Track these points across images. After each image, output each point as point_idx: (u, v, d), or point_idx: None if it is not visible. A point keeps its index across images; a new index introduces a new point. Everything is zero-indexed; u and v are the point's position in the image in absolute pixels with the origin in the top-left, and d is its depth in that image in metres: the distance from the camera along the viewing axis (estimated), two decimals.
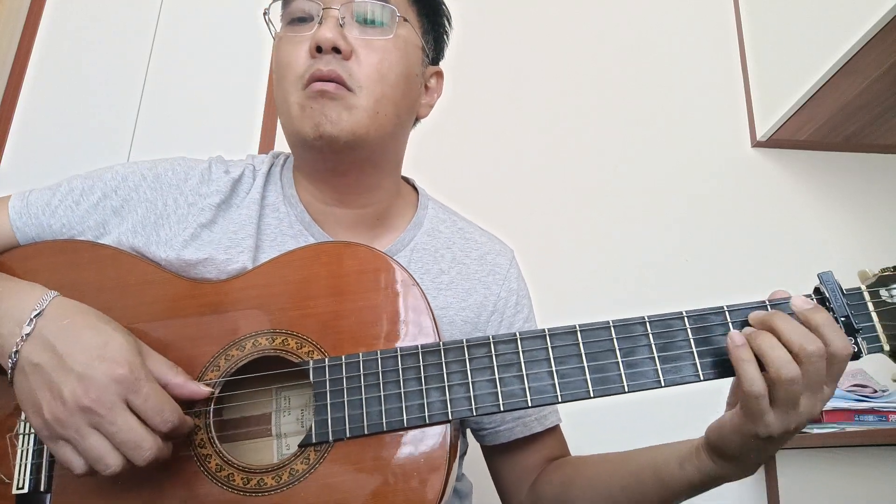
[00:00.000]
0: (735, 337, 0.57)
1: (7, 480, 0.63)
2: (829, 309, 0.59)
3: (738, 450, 0.60)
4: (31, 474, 0.63)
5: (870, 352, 0.58)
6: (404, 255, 0.83)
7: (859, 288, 0.60)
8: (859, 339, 0.58)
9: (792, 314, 0.58)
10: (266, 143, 1.58)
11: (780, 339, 0.56)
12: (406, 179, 0.93)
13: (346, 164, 0.77)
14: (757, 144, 1.76)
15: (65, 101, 1.56)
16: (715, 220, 1.69)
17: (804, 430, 1.34)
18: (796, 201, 1.73)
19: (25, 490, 0.62)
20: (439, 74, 0.88)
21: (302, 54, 0.74)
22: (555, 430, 0.86)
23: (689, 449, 0.65)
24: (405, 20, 0.78)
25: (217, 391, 0.64)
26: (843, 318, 0.58)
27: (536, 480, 0.82)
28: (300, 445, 0.61)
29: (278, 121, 1.59)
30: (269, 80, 1.66)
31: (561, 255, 1.60)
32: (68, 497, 0.62)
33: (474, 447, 0.90)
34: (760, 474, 1.45)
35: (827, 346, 0.55)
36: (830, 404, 1.34)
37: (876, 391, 1.38)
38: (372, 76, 0.74)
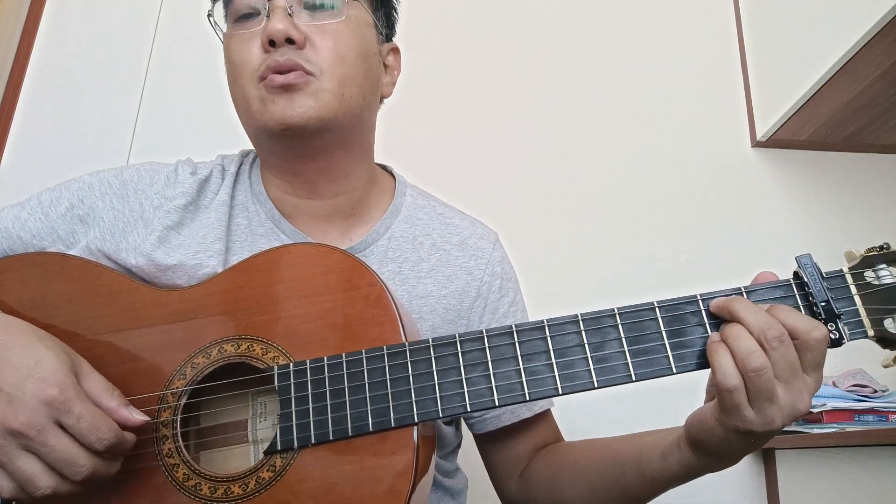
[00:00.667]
0: (713, 335, 0.56)
1: None
2: (809, 293, 0.56)
3: (719, 444, 0.58)
4: None
5: (853, 337, 0.55)
6: (381, 243, 0.82)
7: (840, 270, 0.57)
8: (841, 325, 0.55)
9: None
10: None
11: (745, 326, 0.54)
12: (383, 167, 0.91)
13: (315, 149, 0.76)
14: (757, 144, 1.75)
15: (65, 101, 1.55)
16: (715, 220, 1.67)
17: (803, 429, 1.32)
18: (796, 201, 1.71)
19: None
20: (396, 51, 0.86)
21: (254, 50, 0.73)
22: (545, 416, 0.84)
23: (671, 441, 0.63)
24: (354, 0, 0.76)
25: (183, 400, 0.64)
26: (822, 303, 0.55)
27: (526, 468, 0.80)
28: (265, 453, 0.60)
29: None
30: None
31: (560, 255, 1.59)
32: None
33: (469, 441, 0.89)
34: (760, 474, 1.43)
35: (792, 334, 0.53)
36: (831, 404, 1.31)
37: (876, 391, 1.36)
38: (331, 59, 0.73)
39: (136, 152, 1.54)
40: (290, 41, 0.71)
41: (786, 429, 1.39)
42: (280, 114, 0.70)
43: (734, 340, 0.53)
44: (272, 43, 0.70)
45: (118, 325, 0.68)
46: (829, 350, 0.54)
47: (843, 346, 0.55)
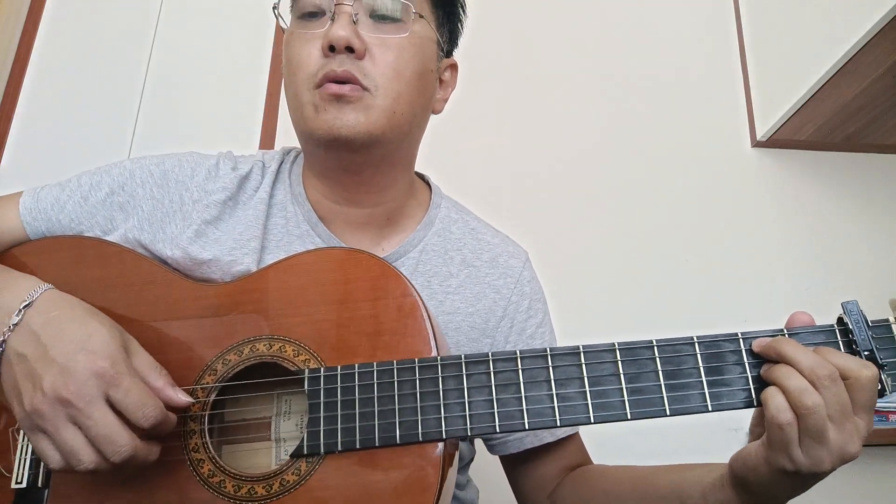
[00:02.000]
0: (766, 368, 0.56)
1: (7, 474, 0.64)
2: (853, 342, 0.55)
3: (765, 485, 0.56)
4: (29, 469, 0.63)
5: (894, 390, 0.54)
6: (413, 255, 0.81)
7: (887, 319, 0.56)
8: (884, 376, 0.54)
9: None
10: (266, 142, 1.57)
11: (795, 368, 0.53)
12: (420, 176, 0.90)
13: (360, 163, 0.76)
14: (757, 144, 1.75)
15: (65, 101, 1.56)
16: (715, 219, 1.67)
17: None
18: (796, 201, 1.71)
19: (24, 485, 0.63)
20: (454, 67, 0.85)
21: (314, 52, 0.72)
22: (572, 438, 0.83)
23: (714, 479, 0.62)
24: (420, 16, 0.75)
25: (212, 396, 0.64)
26: (866, 352, 0.54)
27: (555, 492, 0.79)
28: (291, 456, 0.60)
29: (278, 119, 1.61)
30: (268, 79, 1.65)
31: (559, 255, 1.58)
32: (66, 493, 0.63)
33: (482, 451, 0.89)
34: None
35: (843, 374, 0.52)
36: None
37: None
38: (388, 75, 0.72)
39: (136, 152, 1.55)
40: (350, 49, 0.70)
41: None
42: (329, 124, 0.70)
43: (786, 380, 0.53)
44: (332, 48, 0.70)
45: (152, 315, 0.68)
46: None
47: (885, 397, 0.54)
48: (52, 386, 0.55)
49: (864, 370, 0.52)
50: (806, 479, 0.54)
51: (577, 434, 0.84)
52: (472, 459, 0.87)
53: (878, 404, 1.31)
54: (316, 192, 0.81)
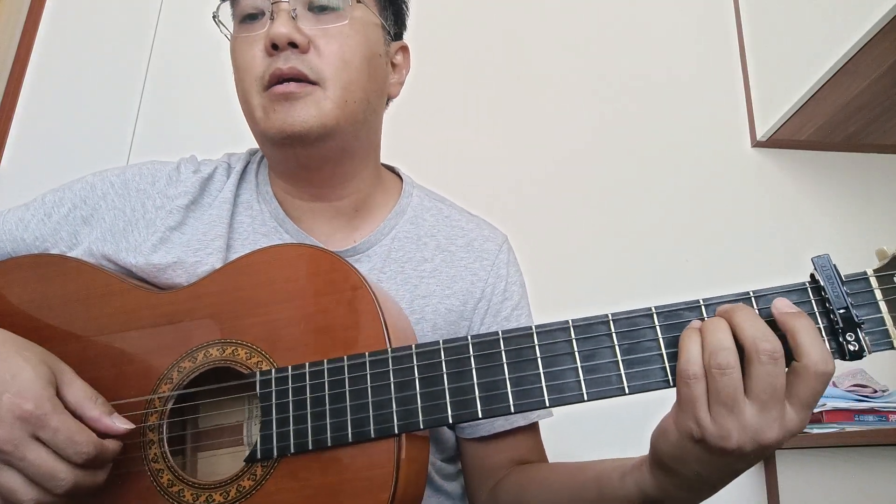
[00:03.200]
0: (694, 322, 0.51)
1: None
2: (825, 299, 0.50)
3: (672, 452, 0.51)
4: None
5: (876, 349, 0.49)
6: (385, 243, 0.80)
7: (864, 273, 0.51)
8: (861, 334, 0.49)
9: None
10: None
11: (734, 331, 0.48)
12: (391, 168, 0.89)
13: (319, 157, 0.74)
14: (757, 144, 1.73)
15: (65, 101, 1.58)
16: (715, 219, 1.65)
17: (803, 431, 1.26)
18: (796, 201, 1.69)
19: None
20: (405, 49, 0.84)
21: (257, 54, 0.71)
22: (533, 429, 0.80)
23: (634, 462, 0.58)
24: (359, 1, 0.73)
25: (169, 405, 0.63)
26: (841, 310, 0.49)
27: (498, 483, 0.77)
28: (245, 461, 0.59)
29: None
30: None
31: (559, 255, 1.57)
32: None
33: None
34: (760, 474, 1.40)
35: (799, 357, 0.47)
36: (831, 404, 1.28)
37: (876, 391, 1.34)
38: (335, 65, 0.71)
39: (136, 152, 1.56)
40: (293, 45, 0.69)
41: None
42: (280, 123, 0.69)
43: (709, 332, 0.48)
44: (275, 46, 0.69)
45: (111, 327, 0.67)
46: (845, 362, 0.48)
47: (864, 358, 0.49)
48: None
49: (821, 365, 0.46)
50: (716, 454, 0.49)
51: (537, 427, 0.82)
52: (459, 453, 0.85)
53: (878, 404, 1.30)
54: (281, 190, 0.80)
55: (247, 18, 0.73)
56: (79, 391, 0.58)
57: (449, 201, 0.89)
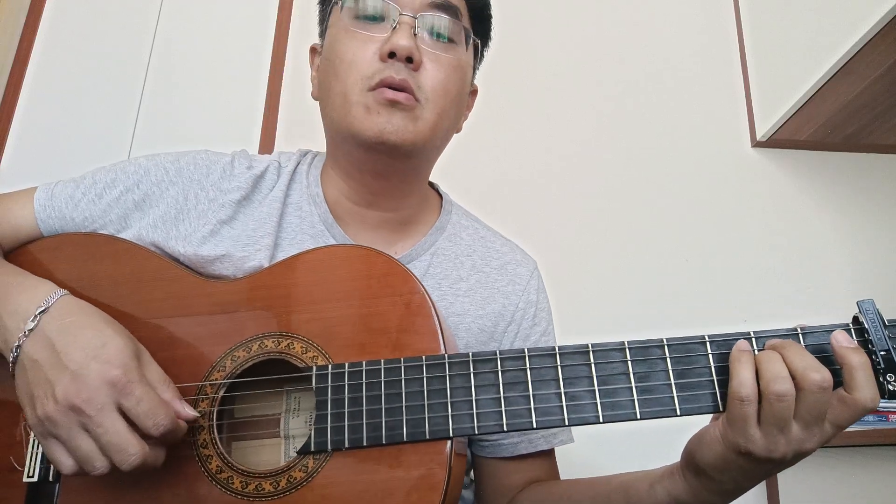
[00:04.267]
0: (741, 343, 0.55)
1: (19, 468, 0.65)
2: (868, 341, 0.54)
3: (715, 462, 0.56)
4: (41, 464, 0.64)
5: None
6: (424, 259, 0.82)
7: None
8: None
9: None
10: (266, 142, 1.57)
11: (785, 362, 0.52)
12: (431, 184, 0.91)
13: (394, 169, 0.77)
14: (757, 144, 1.74)
15: (65, 101, 1.57)
16: (715, 220, 1.66)
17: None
18: (796, 201, 1.70)
19: (35, 479, 0.63)
20: (475, 92, 0.88)
21: (368, 55, 0.73)
22: (550, 454, 0.83)
23: (665, 470, 0.62)
24: (473, 42, 0.78)
25: (221, 392, 0.64)
26: (882, 352, 0.53)
27: (512, 500, 0.79)
28: (298, 453, 0.60)
29: (278, 119, 1.60)
30: (268, 79, 1.64)
31: (558, 254, 1.57)
32: (77, 488, 0.63)
33: None
34: None
35: (851, 391, 0.52)
36: None
37: None
38: (437, 91, 0.74)
39: (136, 152, 1.55)
40: (409, 60, 0.71)
41: None
42: (380, 127, 0.71)
43: (765, 362, 0.53)
44: (391, 55, 0.71)
45: (162, 312, 0.68)
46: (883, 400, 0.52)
47: None
48: (64, 394, 0.55)
49: (870, 402, 0.52)
50: (759, 462, 0.53)
51: (554, 451, 0.84)
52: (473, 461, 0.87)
53: (878, 404, 1.32)
54: (336, 190, 0.81)
55: (365, 18, 0.74)
56: (155, 372, 0.60)
57: (482, 222, 0.92)
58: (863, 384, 0.51)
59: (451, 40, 0.76)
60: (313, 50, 0.85)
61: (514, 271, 0.86)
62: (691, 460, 0.57)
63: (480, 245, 0.87)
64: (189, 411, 0.59)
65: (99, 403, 0.54)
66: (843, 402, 0.52)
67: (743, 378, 0.53)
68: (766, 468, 0.54)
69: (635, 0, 1.84)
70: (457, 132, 0.84)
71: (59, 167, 1.41)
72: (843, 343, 0.53)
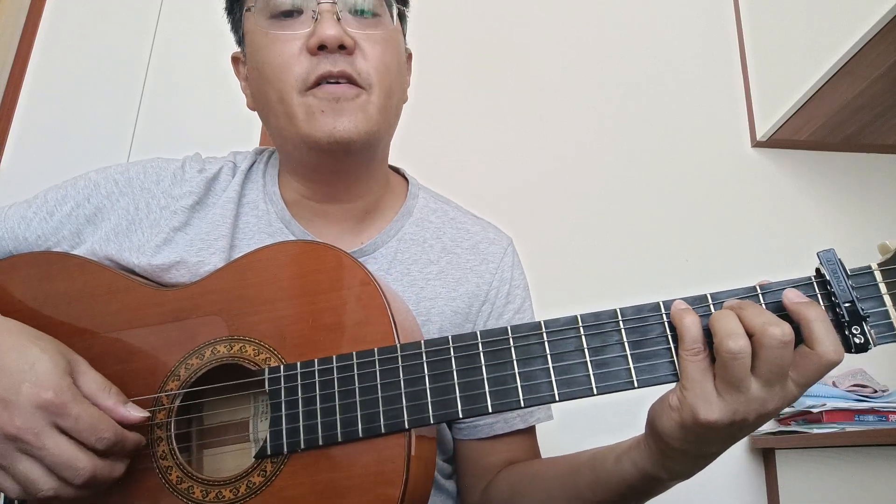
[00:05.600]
0: (678, 303, 0.52)
1: None
2: (831, 293, 0.51)
3: (674, 430, 0.52)
4: None
5: (881, 341, 0.50)
6: (391, 245, 0.80)
7: (869, 266, 0.52)
8: (867, 327, 0.50)
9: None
10: (266, 142, 1.54)
11: (742, 321, 0.49)
12: (396, 169, 0.89)
13: (351, 163, 0.74)
14: (757, 144, 1.73)
15: (65, 101, 1.56)
16: (715, 220, 1.66)
17: (803, 429, 1.28)
18: (796, 201, 1.69)
19: None
20: (410, 56, 0.85)
21: (295, 52, 0.69)
22: (530, 431, 0.81)
23: (630, 443, 0.59)
24: (398, 9, 0.74)
25: (177, 402, 0.63)
26: (846, 304, 0.50)
27: (490, 483, 0.77)
28: (255, 457, 0.59)
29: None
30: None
31: (559, 255, 1.57)
32: None
33: None
34: (760, 474, 1.41)
35: (813, 345, 0.48)
36: (831, 404, 1.28)
37: (876, 391, 1.34)
38: (380, 70, 0.70)
39: (136, 152, 1.55)
40: (341, 47, 0.68)
41: (786, 429, 1.34)
42: (329, 128, 0.68)
43: (718, 320, 0.49)
44: (321, 48, 0.67)
45: (115, 325, 0.67)
46: (850, 354, 0.49)
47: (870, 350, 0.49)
48: None
49: (833, 354, 0.48)
50: (718, 430, 0.50)
51: (534, 431, 0.82)
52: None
53: (878, 404, 1.30)
54: (293, 191, 0.79)
55: (280, 15, 0.70)
56: (93, 381, 0.58)
57: (454, 203, 0.89)
58: (822, 336, 0.48)
59: (375, 14, 0.72)
60: (235, 60, 0.81)
61: (487, 249, 0.84)
62: (653, 429, 0.54)
63: (450, 227, 0.84)
64: (135, 413, 0.58)
65: (36, 428, 0.53)
66: (804, 357, 0.48)
67: (694, 335, 0.50)
68: (728, 432, 0.50)
69: (636, 2, 1.83)
70: (405, 102, 0.81)
71: (59, 167, 1.42)
72: (795, 299, 0.50)
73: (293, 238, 0.78)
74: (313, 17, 0.69)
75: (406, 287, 0.78)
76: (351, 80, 0.68)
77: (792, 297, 0.50)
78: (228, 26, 0.80)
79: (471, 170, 1.62)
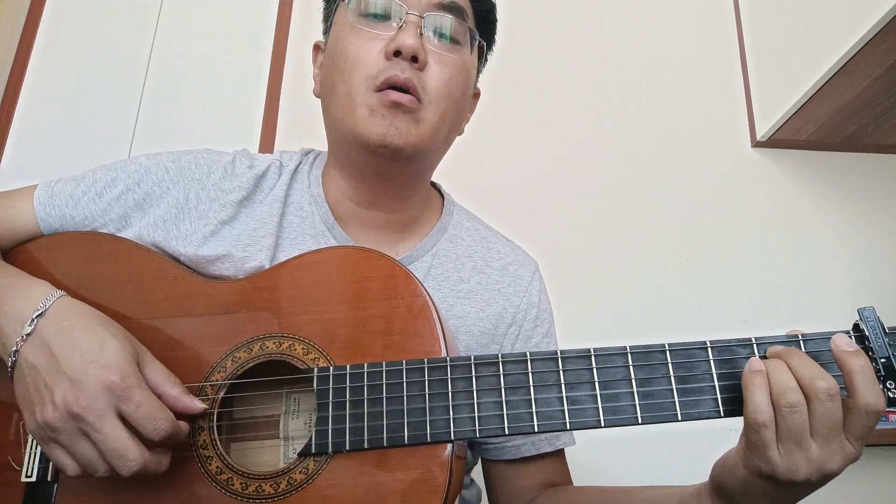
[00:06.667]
0: (754, 362, 0.54)
1: (18, 468, 0.64)
2: (868, 349, 0.54)
3: (740, 487, 0.55)
4: (39, 464, 0.64)
5: None
6: (425, 260, 0.82)
7: None
8: None
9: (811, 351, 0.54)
10: (266, 141, 1.57)
11: (791, 372, 0.52)
12: (433, 185, 0.91)
13: (397, 172, 0.77)
14: (757, 144, 1.75)
15: (65, 101, 1.56)
16: (715, 220, 1.67)
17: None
18: (796, 201, 1.71)
19: (34, 479, 0.63)
20: (477, 95, 0.88)
21: (373, 53, 0.72)
22: (561, 454, 0.83)
23: (692, 490, 0.61)
24: (480, 43, 0.78)
25: (221, 394, 0.64)
26: (883, 360, 0.53)
27: (531, 503, 0.78)
28: (299, 455, 0.60)
29: (278, 119, 1.60)
30: (268, 79, 1.64)
31: (559, 255, 1.58)
32: (74, 488, 0.63)
33: None
34: None
35: (853, 396, 0.51)
36: None
37: None
38: (441, 92, 0.73)
39: (136, 152, 1.55)
40: (413, 59, 0.71)
41: None
42: (384, 129, 0.70)
43: (773, 374, 0.52)
44: (397, 54, 0.71)
45: (162, 312, 0.68)
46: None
47: None
48: (63, 400, 0.55)
49: (873, 405, 0.51)
50: (784, 487, 0.53)
51: (564, 453, 0.84)
52: (475, 462, 0.87)
53: (883, 406, 1.32)
54: (337, 191, 0.81)
55: (370, 16, 0.74)
56: (157, 370, 0.59)
57: (485, 223, 0.92)
58: (863, 387, 0.51)
59: (456, 41, 0.75)
60: (317, 47, 0.85)
61: (516, 272, 0.86)
62: (718, 484, 0.57)
63: (482, 246, 0.86)
64: (198, 404, 0.60)
65: (98, 410, 0.54)
66: (848, 409, 0.52)
67: (758, 402, 0.52)
68: (792, 491, 0.53)
69: (636, 2, 1.85)
70: (459, 134, 0.84)
71: (59, 167, 1.40)
72: (843, 347, 0.53)
73: (335, 242, 0.79)
74: (398, 26, 0.72)
75: (437, 303, 0.80)
76: (413, 92, 0.71)
77: (841, 345, 0.53)
78: (321, 14, 0.84)
79: (471, 170, 1.61)
